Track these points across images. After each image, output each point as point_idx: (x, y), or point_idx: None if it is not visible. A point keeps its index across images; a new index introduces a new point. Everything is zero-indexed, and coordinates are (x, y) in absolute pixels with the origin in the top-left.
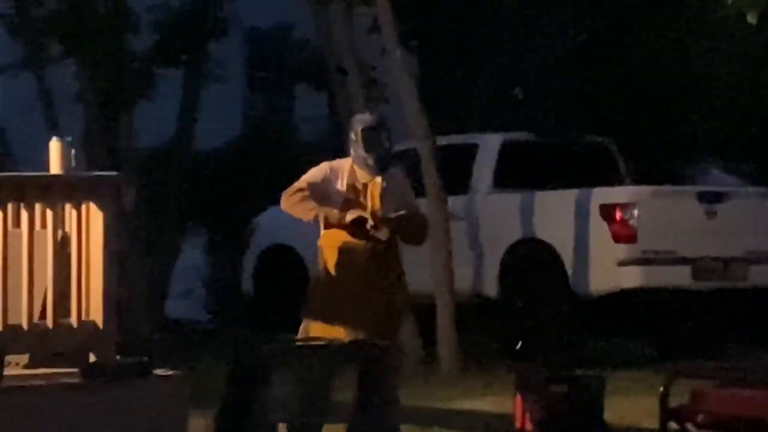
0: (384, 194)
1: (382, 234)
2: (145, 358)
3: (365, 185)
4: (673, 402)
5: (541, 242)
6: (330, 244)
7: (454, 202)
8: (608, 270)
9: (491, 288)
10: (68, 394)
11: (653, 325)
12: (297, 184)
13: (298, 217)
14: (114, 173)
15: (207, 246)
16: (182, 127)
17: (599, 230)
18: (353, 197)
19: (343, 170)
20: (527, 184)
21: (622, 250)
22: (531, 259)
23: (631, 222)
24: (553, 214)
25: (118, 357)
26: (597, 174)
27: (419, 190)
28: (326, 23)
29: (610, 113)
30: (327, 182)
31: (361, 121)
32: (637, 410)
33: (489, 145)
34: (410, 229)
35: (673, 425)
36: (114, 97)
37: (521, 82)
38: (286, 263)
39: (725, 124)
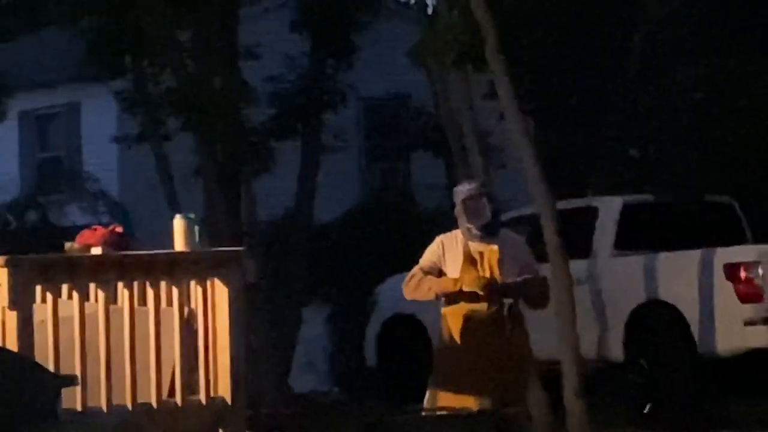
0: (501, 260)
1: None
2: None
3: (481, 254)
4: None
5: (666, 304)
6: (453, 312)
7: (576, 267)
8: (735, 330)
9: (617, 352)
10: None
11: None
12: (412, 271)
13: (421, 299)
14: (237, 248)
15: (329, 318)
16: (301, 199)
17: (724, 290)
18: (471, 267)
19: (458, 240)
20: (649, 245)
21: (749, 310)
22: (656, 322)
23: (757, 281)
24: (677, 275)
25: None
26: (720, 234)
27: (541, 256)
28: (443, 90)
29: (732, 171)
30: (441, 259)
31: (461, 192)
32: None
33: (609, 208)
34: (532, 292)
35: None
36: (234, 170)
37: (641, 142)
38: (409, 333)
39: None
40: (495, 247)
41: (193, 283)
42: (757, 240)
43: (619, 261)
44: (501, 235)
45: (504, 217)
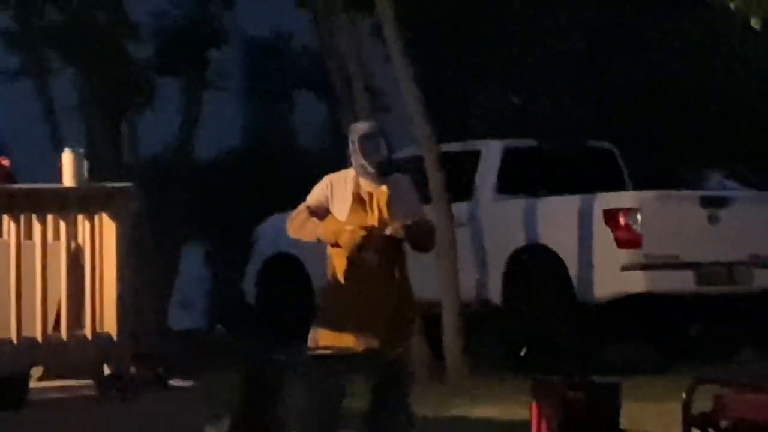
0: (390, 202)
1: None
2: (161, 370)
3: (370, 194)
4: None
5: (545, 248)
6: (339, 254)
7: (458, 209)
8: (612, 275)
9: (495, 295)
10: (84, 407)
11: (657, 331)
12: (298, 208)
13: (305, 240)
14: (126, 184)
15: (207, 256)
16: (183, 136)
17: (603, 235)
18: (360, 207)
19: (347, 181)
20: (530, 190)
21: (626, 256)
22: (534, 266)
23: (635, 227)
24: (557, 219)
25: (133, 369)
26: (600, 179)
27: (424, 197)
28: (330, 32)
29: (613, 118)
30: (328, 199)
31: (357, 130)
32: (652, 416)
33: (491, 152)
34: (420, 236)
35: None
36: (115, 105)
37: (523, 88)
38: (289, 271)
39: (727, 128)
40: (384, 189)
41: (81, 218)
42: (636, 186)
43: (500, 204)
44: (390, 176)
45: (402, 154)
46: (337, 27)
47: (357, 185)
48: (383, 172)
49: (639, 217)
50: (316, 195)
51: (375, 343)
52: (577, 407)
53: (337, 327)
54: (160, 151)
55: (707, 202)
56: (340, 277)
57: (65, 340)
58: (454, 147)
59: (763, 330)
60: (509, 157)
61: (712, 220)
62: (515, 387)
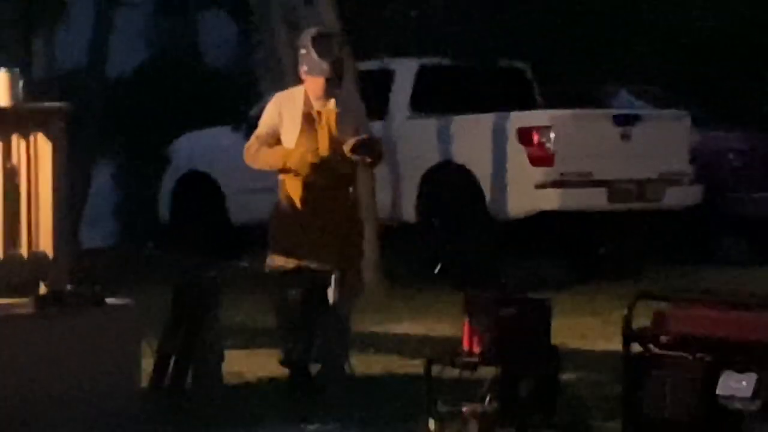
0: (339, 119)
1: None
2: (98, 287)
3: (319, 113)
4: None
5: (459, 166)
6: (291, 178)
7: (373, 128)
8: (525, 193)
9: (410, 212)
10: (22, 325)
11: (570, 248)
12: (251, 139)
13: (263, 168)
14: (62, 104)
15: (118, 174)
16: (94, 54)
17: (516, 153)
18: (309, 127)
19: (297, 99)
20: (444, 108)
21: (540, 173)
22: (448, 183)
23: (548, 145)
24: (471, 138)
25: (69, 287)
26: (513, 98)
27: None
28: None
29: (525, 37)
30: (279, 121)
31: (309, 32)
32: (581, 332)
33: (405, 70)
34: (372, 152)
35: (635, 347)
36: (25, 23)
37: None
38: (203, 189)
39: (638, 47)
40: (332, 106)
41: (15, 138)
42: (549, 105)
43: (414, 123)
44: (339, 94)
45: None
46: None
47: (307, 104)
48: (337, 71)
49: (552, 135)
50: (266, 120)
51: (330, 266)
52: (509, 323)
53: (292, 252)
54: (71, 69)
55: (619, 121)
56: (293, 201)
57: (1, 258)
58: (368, 65)
59: (670, 246)
60: (423, 76)
61: (624, 138)
62: (432, 303)
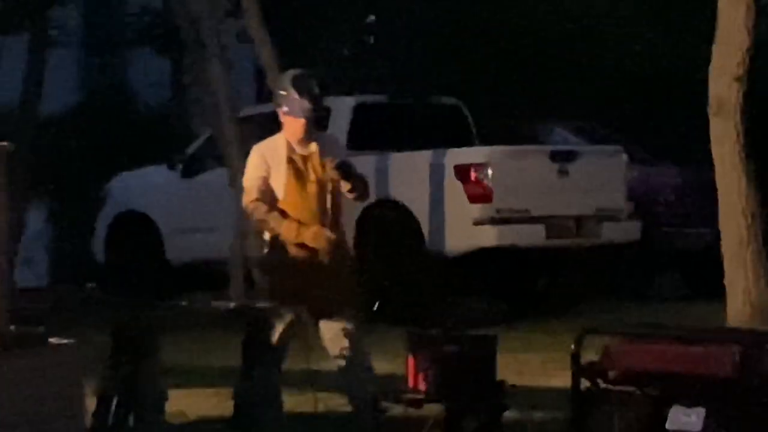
0: (323, 157)
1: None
2: (41, 328)
3: (304, 157)
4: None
5: (396, 203)
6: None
7: None
8: (464, 230)
9: (349, 246)
10: None
11: (508, 284)
12: (248, 197)
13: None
14: (3, 143)
15: (51, 215)
16: (28, 93)
17: (454, 190)
18: (296, 173)
19: (278, 147)
20: (381, 146)
21: (477, 210)
22: (386, 220)
23: (486, 182)
24: (408, 175)
25: (12, 327)
26: (449, 135)
27: None
28: None
29: (460, 73)
30: (268, 172)
31: (288, 74)
32: (523, 367)
33: (341, 108)
34: (354, 177)
35: (584, 382)
36: None
37: (370, 43)
38: (140, 229)
39: (574, 83)
40: (314, 149)
41: None
42: (485, 141)
43: (351, 160)
44: (319, 136)
45: (242, 113)
46: None
47: (289, 149)
48: (317, 110)
49: (489, 171)
50: (255, 174)
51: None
52: (453, 360)
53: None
54: (4, 107)
55: (556, 157)
56: (289, 251)
57: None
58: None
59: (609, 281)
60: (359, 113)
61: (562, 174)
62: (371, 341)
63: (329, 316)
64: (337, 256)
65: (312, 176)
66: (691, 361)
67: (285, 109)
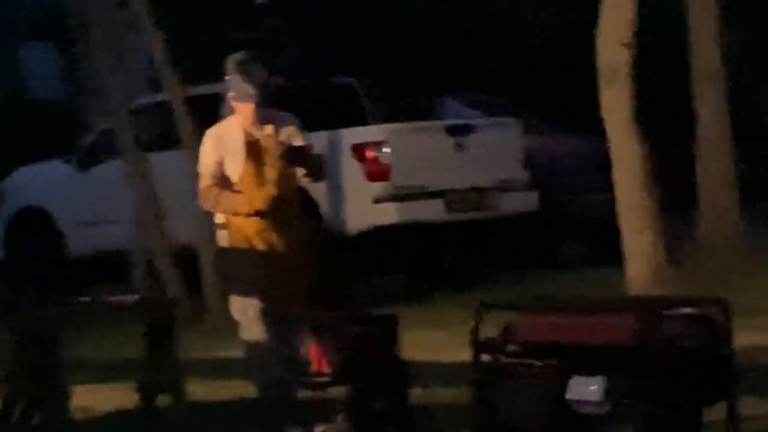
0: (279, 140)
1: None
2: None
3: (261, 140)
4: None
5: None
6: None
7: None
8: (363, 208)
9: None
10: None
11: (411, 260)
12: (203, 182)
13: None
14: None
15: None
16: None
17: (352, 170)
18: (254, 157)
19: (233, 130)
20: None
21: (376, 188)
22: None
23: (383, 160)
24: None
25: None
26: (345, 115)
27: (172, 142)
28: None
29: (352, 53)
30: (222, 157)
31: (233, 58)
32: (428, 344)
33: None
34: (312, 161)
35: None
36: None
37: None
38: (39, 225)
39: (466, 57)
40: (270, 131)
41: None
42: (382, 120)
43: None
44: (274, 116)
45: (135, 104)
46: None
47: (245, 133)
48: (264, 94)
49: (386, 149)
50: (209, 159)
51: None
52: (357, 341)
53: (251, 291)
54: None
55: (453, 131)
56: (245, 237)
57: None
58: (197, 90)
59: (511, 253)
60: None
61: (459, 147)
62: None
63: (291, 304)
64: (300, 243)
65: (270, 160)
66: (590, 331)
67: (232, 94)
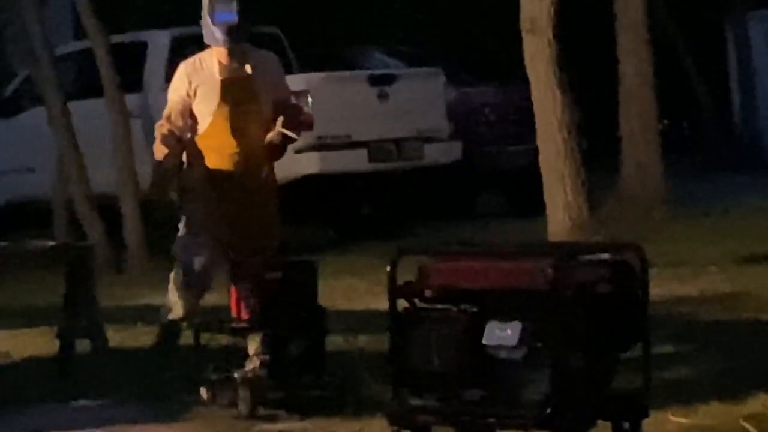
0: (254, 82)
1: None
2: None
3: (238, 79)
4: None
5: None
6: (207, 150)
7: (129, 101)
8: (286, 158)
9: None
10: None
11: (333, 210)
12: (166, 112)
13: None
14: None
15: None
16: None
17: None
18: (228, 93)
19: (208, 65)
20: None
21: (299, 138)
22: None
23: (306, 109)
24: None
25: None
26: None
27: (94, 91)
28: None
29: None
30: (189, 92)
31: None
32: (348, 291)
33: (158, 42)
34: (294, 128)
35: (401, 303)
36: None
37: None
38: None
39: (388, 6)
40: (248, 71)
41: None
42: (303, 69)
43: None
44: (254, 54)
45: (58, 52)
46: None
47: (223, 70)
48: (234, 36)
49: (309, 99)
50: (175, 93)
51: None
52: (274, 287)
53: (209, 230)
54: None
55: (375, 81)
56: (209, 177)
57: None
58: (121, 38)
59: (433, 203)
60: (176, 47)
61: (381, 98)
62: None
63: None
64: (260, 188)
65: (246, 100)
66: (506, 277)
67: (205, 37)
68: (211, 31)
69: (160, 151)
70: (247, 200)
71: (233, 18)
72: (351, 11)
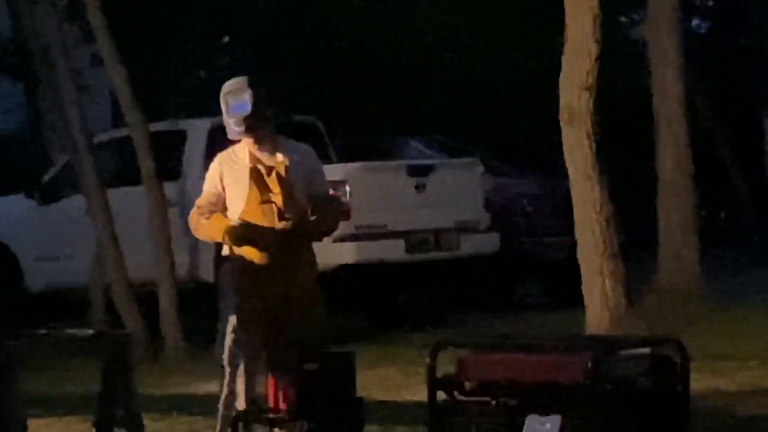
0: (290, 173)
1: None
2: None
3: (270, 167)
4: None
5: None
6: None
7: (168, 189)
8: (323, 247)
9: (207, 273)
10: None
11: (369, 300)
12: (197, 202)
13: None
14: None
15: None
16: None
17: None
18: (259, 184)
19: (240, 156)
20: None
21: (338, 228)
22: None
23: (344, 199)
24: None
25: None
26: None
27: (134, 179)
28: (27, 13)
29: (314, 92)
30: (220, 184)
31: (223, 88)
32: (384, 381)
33: (197, 131)
34: (324, 224)
35: (440, 395)
36: None
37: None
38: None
39: (425, 98)
40: (280, 159)
41: None
42: (342, 159)
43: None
44: (286, 145)
45: (97, 139)
46: (34, 10)
47: (253, 158)
48: (250, 124)
49: (347, 188)
50: (207, 184)
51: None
52: (311, 378)
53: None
54: None
55: (413, 171)
56: (252, 265)
57: None
58: (160, 126)
59: (470, 294)
60: (215, 135)
61: (419, 188)
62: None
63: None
64: (299, 273)
65: (276, 188)
66: (544, 370)
67: (227, 132)
68: (229, 124)
69: (203, 228)
70: (284, 290)
71: (245, 108)
72: (390, 101)
